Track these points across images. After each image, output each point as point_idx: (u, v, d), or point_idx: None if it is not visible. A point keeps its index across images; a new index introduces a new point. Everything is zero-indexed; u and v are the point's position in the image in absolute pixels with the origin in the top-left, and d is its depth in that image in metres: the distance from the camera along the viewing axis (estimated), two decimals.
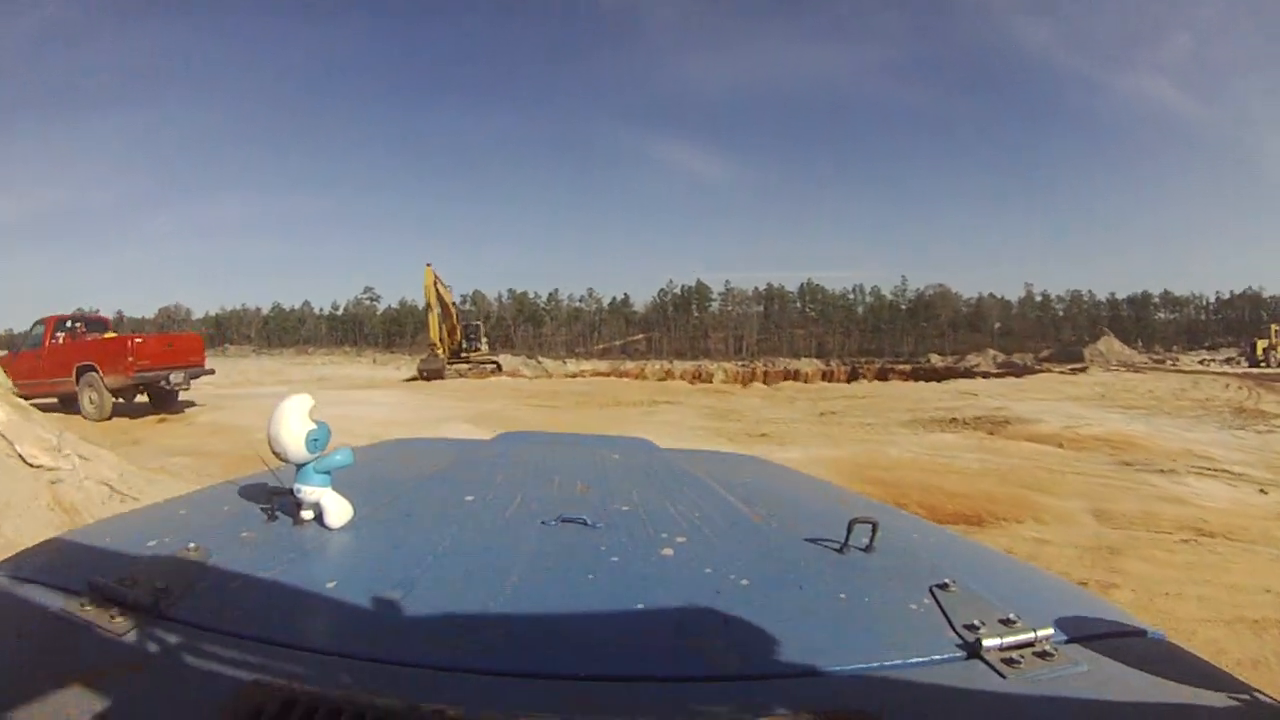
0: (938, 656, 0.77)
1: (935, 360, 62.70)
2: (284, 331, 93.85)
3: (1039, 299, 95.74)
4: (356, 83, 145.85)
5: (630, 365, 55.52)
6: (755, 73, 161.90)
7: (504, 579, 0.90)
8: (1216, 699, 0.72)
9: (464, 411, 14.75)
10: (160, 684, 0.67)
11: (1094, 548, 5.43)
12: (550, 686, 0.69)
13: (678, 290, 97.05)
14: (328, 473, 1.08)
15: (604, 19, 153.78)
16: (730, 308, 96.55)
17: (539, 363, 46.85)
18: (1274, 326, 47.59)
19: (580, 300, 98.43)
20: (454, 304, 33.60)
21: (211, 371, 15.57)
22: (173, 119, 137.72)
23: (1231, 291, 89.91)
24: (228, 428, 11.50)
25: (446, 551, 1.00)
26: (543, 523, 1.14)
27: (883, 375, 54.68)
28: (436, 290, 31.69)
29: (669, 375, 49.12)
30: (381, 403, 16.81)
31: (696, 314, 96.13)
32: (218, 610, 0.80)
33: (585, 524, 1.13)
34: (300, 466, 1.07)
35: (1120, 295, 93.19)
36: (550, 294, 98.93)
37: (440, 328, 31.86)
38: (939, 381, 27.59)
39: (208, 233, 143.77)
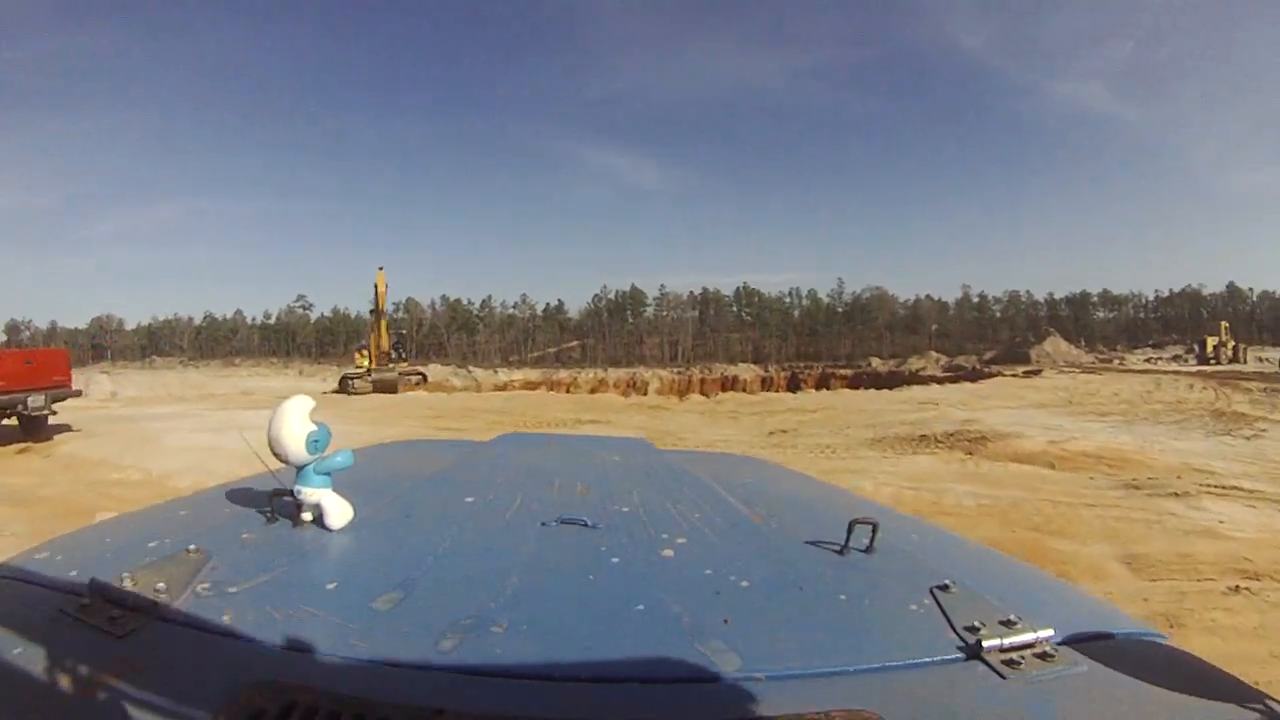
0: (938, 657, 0.80)
1: (877, 364, 63.83)
2: (216, 342, 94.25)
3: (976, 300, 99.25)
4: (289, 88, 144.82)
5: (563, 374, 54.92)
6: (689, 78, 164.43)
7: (504, 580, 0.94)
8: (1216, 700, 0.75)
9: (357, 437, 12.87)
10: (160, 684, 0.69)
11: (1145, 616, 4.39)
12: (550, 687, 0.71)
13: (612, 296, 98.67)
14: (328, 474, 1.13)
15: (539, 24, 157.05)
16: (665, 313, 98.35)
17: (469, 373, 46.33)
18: (1223, 324, 50.09)
19: (514, 307, 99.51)
20: (385, 311, 33.30)
21: (78, 393, 14.28)
22: (107, 124, 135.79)
23: (1171, 290, 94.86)
24: (85, 461, 10.64)
25: (446, 552, 1.05)
26: (543, 524, 1.19)
27: (824, 381, 55.50)
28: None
29: (601, 385, 48.76)
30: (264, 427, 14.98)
31: (631, 320, 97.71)
32: (218, 611, 0.83)
33: (585, 525, 1.18)
34: (301, 468, 1.12)
35: (1058, 295, 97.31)
36: (484, 301, 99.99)
37: (371, 336, 31.51)
38: (891, 389, 26.98)
39: (143, 240, 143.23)
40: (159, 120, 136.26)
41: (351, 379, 29.34)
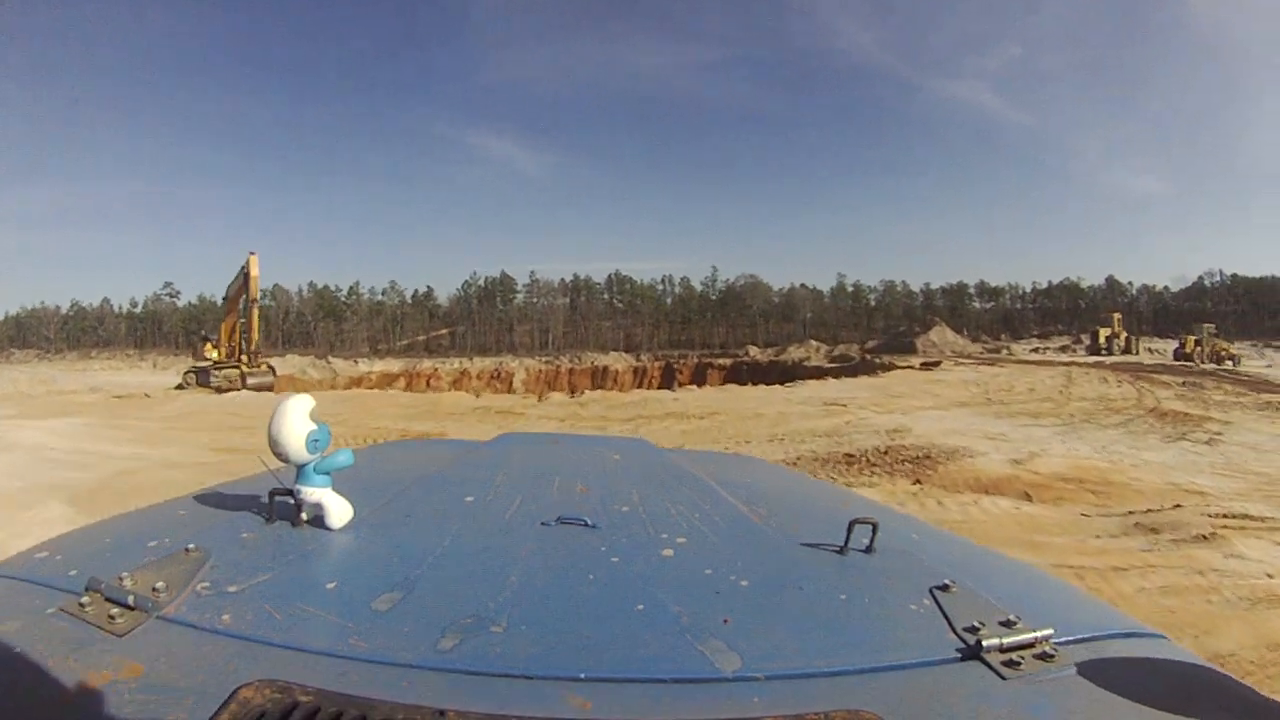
0: (938, 657, 0.84)
1: (755, 353, 64.37)
2: (83, 332, 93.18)
3: (851, 289, 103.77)
4: (157, 68, 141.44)
5: (427, 365, 55.61)
6: (562, 63, 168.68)
7: (504, 580, 0.99)
8: (1216, 700, 0.79)
9: (88, 478, 9.45)
10: (160, 684, 0.72)
11: None
12: (550, 687, 0.74)
13: (482, 283, 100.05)
14: (328, 474, 1.19)
15: (414, 6, 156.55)
16: (536, 300, 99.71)
17: (328, 364, 47.41)
18: (1116, 316, 53.46)
19: (383, 294, 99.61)
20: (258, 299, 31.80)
21: None
22: None
23: (1050, 282, 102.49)
24: None
25: (446, 552, 1.09)
26: (542, 523, 1.25)
27: (701, 372, 55.27)
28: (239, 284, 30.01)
29: (464, 377, 48.49)
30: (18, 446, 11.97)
31: (502, 307, 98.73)
32: (218, 611, 0.87)
33: (585, 525, 1.24)
34: (301, 467, 1.17)
35: (935, 285, 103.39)
36: (351, 287, 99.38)
37: (223, 326, 30.97)
38: (782, 384, 25.42)
39: (7, 226, 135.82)
40: (18, 100, 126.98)
41: (209, 373, 28.37)
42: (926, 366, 33.91)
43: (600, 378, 55.67)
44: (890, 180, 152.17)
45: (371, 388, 43.66)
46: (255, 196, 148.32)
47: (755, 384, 31.54)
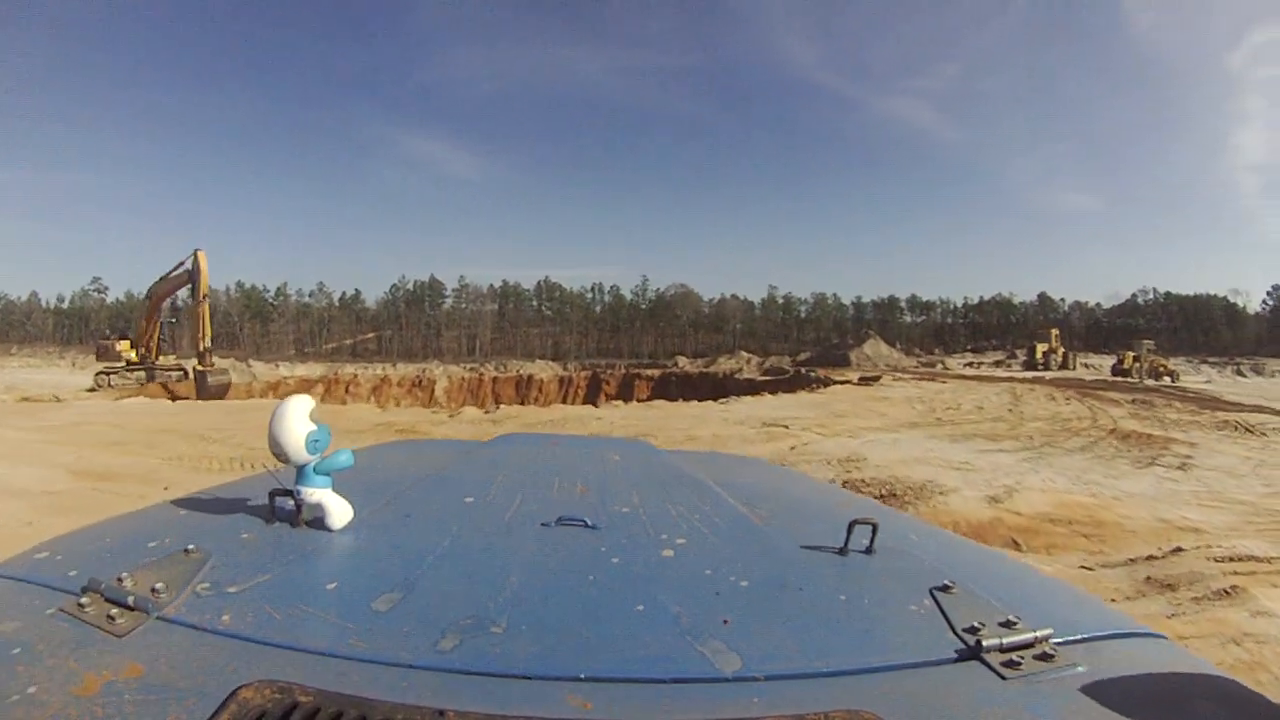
0: (938, 658, 0.86)
1: (684, 363, 64.46)
2: (10, 326, 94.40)
3: (782, 300, 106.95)
4: (87, 59, 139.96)
5: (348, 370, 55.18)
6: (498, 66, 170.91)
7: (504, 580, 1.01)
8: (1215, 700, 0.82)
9: None
10: (160, 684, 0.73)
11: None
12: (550, 687, 0.76)
13: (410, 287, 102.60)
14: (328, 474, 1.22)
15: (353, 6, 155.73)
16: (464, 305, 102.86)
17: (248, 367, 46.79)
18: (1054, 331, 54.89)
19: (310, 295, 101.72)
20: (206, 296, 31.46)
21: None
22: None
23: (981, 297, 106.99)
24: None
25: (446, 553, 1.13)
26: (542, 524, 1.28)
27: (629, 383, 54.88)
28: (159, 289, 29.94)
29: (384, 384, 49.20)
30: None
31: (430, 312, 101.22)
32: (218, 611, 0.89)
33: (585, 525, 1.28)
34: (301, 468, 1.21)
35: (866, 299, 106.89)
36: (279, 288, 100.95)
37: (143, 324, 30.69)
38: (715, 400, 24.48)
39: None
40: None
41: (154, 371, 28.83)
42: (865, 381, 33.54)
43: (525, 388, 55.48)
44: (825, 193, 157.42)
45: (288, 394, 40.91)
46: (186, 192, 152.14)
47: (685, 398, 30.66)
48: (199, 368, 27.32)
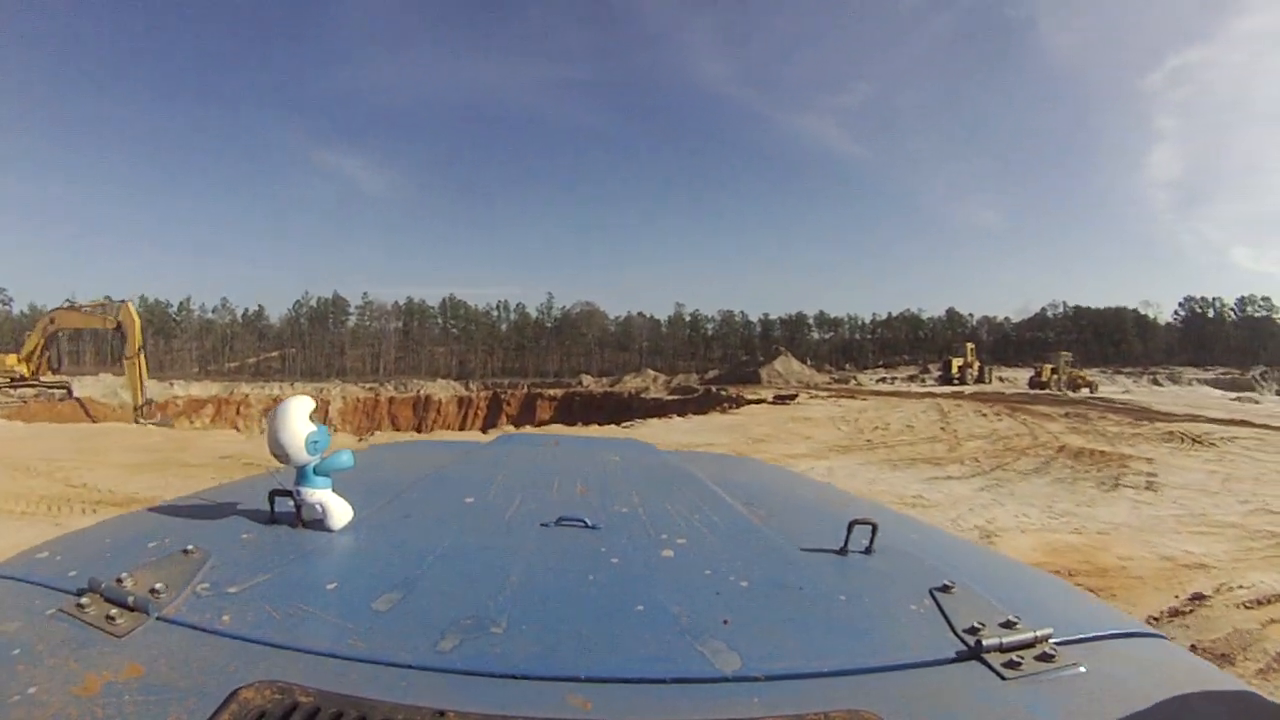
0: (938, 658, 0.87)
1: (589, 382, 63.86)
2: None
3: (689, 318, 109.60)
4: None
5: (244, 390, 54.37)
6: (405, 80, 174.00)
7: (504, 580, 1.03)
8: (1215, 700, 0.83)
9: None
10: (160, 685, 0.75)
11: None
12: (550, 687, 0.78)
13: (314, 303, 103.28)
14: (328, 475, 1.25)
15: (262, 14, 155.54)
16: (369, 323, 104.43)
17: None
18: (970, 345, 56.01)
19: (214, 311, 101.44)
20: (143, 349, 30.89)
21: None
22: None
23: (890, 313, 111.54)
24: None
25: (446, 553, 1.14)
26: (542, 524, 1.31)
27: (530, 404, 54.55)
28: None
29: (275, 405, 45.66)
30: None
31: (333, 329, 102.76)
32: (217, 611, 0.91)
33: (585, 525, 1.30)
34: (301, 469, 1.24)
35: (773, 315, 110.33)
36: (182, 303, 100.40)
37: (36, 341, 30.50)
38: (619, 424, 22.89)
39: None
40: None
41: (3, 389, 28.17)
42: (781, 400, 32.60)
43: (423, 409, 55.28)
44: (732, 210, 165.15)
45: (178, 414, 43.12)
46: (90, 200, 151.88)
47: (588, 420, 29.19)
48: (139, 421, 26.06)
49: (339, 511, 1.23)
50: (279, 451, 1.20)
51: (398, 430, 32.96)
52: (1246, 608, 5.98)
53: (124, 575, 0.94)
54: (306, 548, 1.14)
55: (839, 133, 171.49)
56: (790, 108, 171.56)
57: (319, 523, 1.22)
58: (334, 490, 1.24)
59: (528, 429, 24.71)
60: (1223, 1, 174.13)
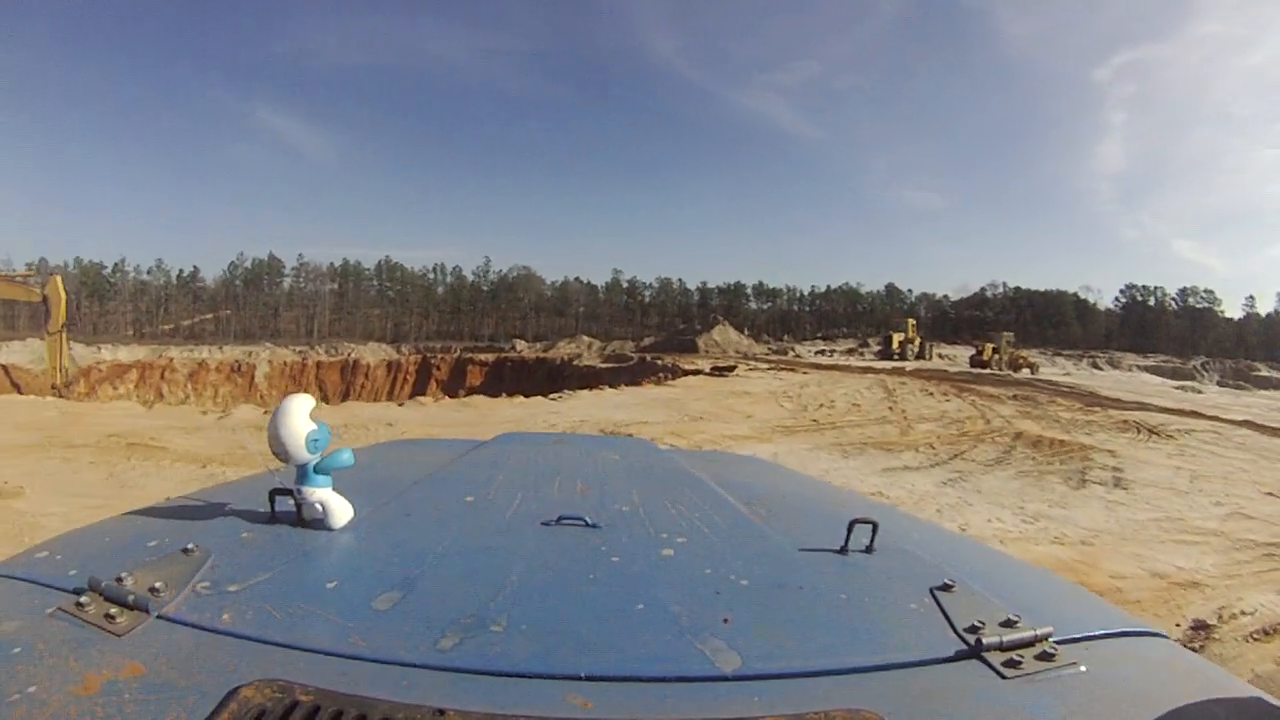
0: (939, 657, 0.89)
1: (522, 347, 63.31)
2: None
3: (626, 285, 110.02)
4: None
5: (172, 354, 54.00)
6: (348, 42, 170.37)
7: (504, 579, 1.05)
8: (1217, 700, 0.84)
9: None
10: (160, 684, 0.76)
11: None
12: (550, 686, 0.79)
13: (249, 264, 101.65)
14: (329, 473, 1.25)
15: None
16: (304, 284, 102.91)
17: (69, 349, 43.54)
18: (911, 321, 56.32)
19: (149, 272, 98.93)
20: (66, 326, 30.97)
21: None
22: None
23: (829, 286, 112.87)
24: None
25: (447, 552, 1.16)
26: (543, 523, 1.32)
27: (460, 369, 54.04)
28: None
29: (202, 370, 49.25)
30: None
31: (269, 291, 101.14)
32: (217, 610, 0.92)
33: (585, 524, 1.31)
34: (301, 467, 1.24)
35: (712, 284, 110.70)
36: (116, 264, 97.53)
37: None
38: (548, 394, 21.76)
39: None
40: None
41: None
42: (719, 372, 31.64)
43: (351, 374, 54.47)
44: (673, 181, 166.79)
45: (100, 380, 44.08)
46: (18, 158, 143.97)
47: (517, 389, 28.01)
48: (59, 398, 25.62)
49: (339, 510, 1.24)
50: (279, 450, 1.20)
51: (326, 401, 31.35)
52: (1255, 639, 5.55)
53: (124, 574, 0.95)
54: (307, 547, 1.15)
55: (784, 110, 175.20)
56: (735, 83, 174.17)
57: (319, 521, 1.23)
58: (334, 489, 1.24)
59: (445, 401, 23.33)
60: (1178, 2, 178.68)
